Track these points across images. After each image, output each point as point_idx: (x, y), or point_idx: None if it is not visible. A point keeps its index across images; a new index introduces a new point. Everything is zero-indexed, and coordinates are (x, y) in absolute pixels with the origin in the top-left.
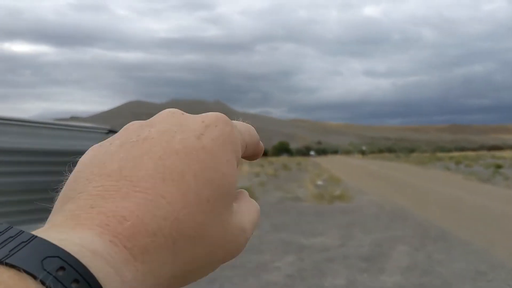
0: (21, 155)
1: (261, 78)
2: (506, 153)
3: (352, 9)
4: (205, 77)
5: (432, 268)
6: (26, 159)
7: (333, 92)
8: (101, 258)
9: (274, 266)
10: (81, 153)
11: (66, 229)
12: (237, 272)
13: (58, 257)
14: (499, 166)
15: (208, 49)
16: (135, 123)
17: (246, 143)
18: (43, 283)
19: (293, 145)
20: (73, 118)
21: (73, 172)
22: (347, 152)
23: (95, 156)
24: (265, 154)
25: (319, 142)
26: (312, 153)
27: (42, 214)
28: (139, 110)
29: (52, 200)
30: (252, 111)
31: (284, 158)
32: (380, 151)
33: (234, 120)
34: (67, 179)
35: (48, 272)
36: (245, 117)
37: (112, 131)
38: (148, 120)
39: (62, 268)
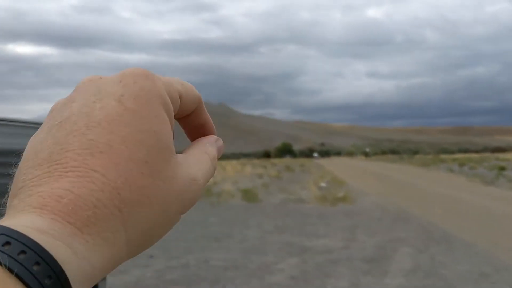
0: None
1: (265, 80)
2: (510, 155)
3: (355, 11)
4: (208, 79)
5: (436, 270)
6: None
7: (337, 93)
8: (46, 234)
9: (277, 267)
10: None
11: (6, 218)
12: (240, 274)
13: (3, 234)
14: (502, 168)
15: (211, 50)
16: (59, 102)
17: (180, 93)
18: None
19: (296, 147)
20: None
21: (16, 170)
22: (350, 154)
23: (30, 149)
24: (268, 155)
25: (322, 144)
26: (315, 155)
27: None
28: None
29: None
30: (256, 112)
31: (287, 160)
32: (383, 153)
33: (235, 121)
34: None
35: None
36: (249, 119)
37: None
38: (69, 94)
39: (7, 243)
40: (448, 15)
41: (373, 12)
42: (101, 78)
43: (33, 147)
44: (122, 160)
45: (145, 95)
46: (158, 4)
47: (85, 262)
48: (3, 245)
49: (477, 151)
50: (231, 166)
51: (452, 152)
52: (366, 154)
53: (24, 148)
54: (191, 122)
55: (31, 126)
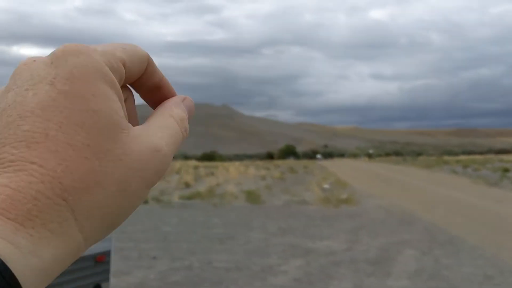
0: None
1: (268, 82)
2: None
3: (359, 13)
4: (212, 81)
5: (440, 272)
6: None
7: (340, 95)
8: None
9: (280, 269)
10: None
11: None
12: (243, 275)
13: None
14: (506, 170)
15: (215, 52)
16: None
17: (123, 59)
18: None
19: (299, 149)
20: None
21: None
22: (354, 156)
23: None
24: (271, 157)
25: (326, 146)
26: (318, 156)
27: None
28: (145, 114)
29: None
30: (259, 114)
31: (290, 161)
32: (387, 154)
33: (238, 123)
34: None
35: None
36: (252, 120)
37: None
38: (8, 82)
39: None
40: (452, 17)
41: (377, 14)
42: (34, 61)
43: None
44: (60, 147)
45: (79, 73)
46: (162, 7)
47: (32, 256)
48: None
49: (481, 153)
50: (234, 167)
51: (456, 154)
52: (369, 156)
53: None
54: (143, 85)
55: None
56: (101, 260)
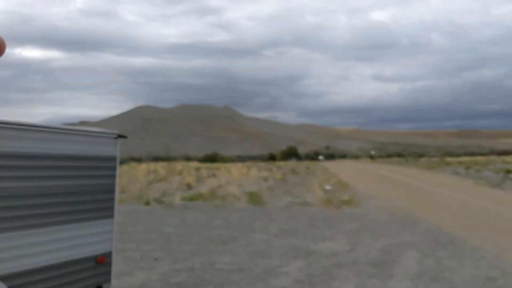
0: (30, 159)
1: (270, 83)
2: None
3: (361, 14)
4: (213, 82)
5: (442, 274)
6: (35, 164)
7: (342, 97)
8: None
9: (282, 271)
10: (89, 157)
11: None
12: (245, 277)
13: None
14: (509, 171)
15: (216, 54)
16: None
17: None
18: None
19: (301, 150)
20: (82, 123)
21: None
22: (356, 157)
23: None
24: (273, 158)
25: (327, 147)
26: (320, 157)
27: (50, 218)
28: (148, 115)
29: (62, 204)
30: (261, 115)
31: (292, 163)
32: (389, 155)
33: (240, 124)
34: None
35: None
36: (254, 122)
37: (121, 136)
38: None
39: None
40: (454, 18)
41: (379, 16)
42: None
43: None
44: None
45: None
46: (164, 8)
47: None
48: None
49: (483, 154)
50: (236, 169)
51: (458, 155)
52: (371, 157)
53: (29, 152)
54: None
55: (39, 130)
56: (103, 261)
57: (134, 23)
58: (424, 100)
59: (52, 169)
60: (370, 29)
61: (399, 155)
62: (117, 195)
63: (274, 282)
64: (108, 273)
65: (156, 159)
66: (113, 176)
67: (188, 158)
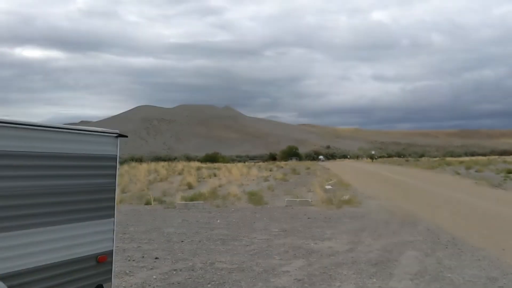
0: (30, 159)
1: (271, 83)
2: None
3: (361, 15)
4: (214, 82)
5: (442, 274)
6: (35, 163)
7: (342, 97)
8: None
9: (282, 270)
10: (90, 157)
11: None
12: (246, 276)
13: None
14: (510, 171)
15: (217, 54)
16: None
17: None
18: None
19: (302, 150)
20: (83, 123)
21: None
22: (356, 157)
23: None
24: (274, 158)
25: (328, 147)
26: (321, 157)
27: (51, 217)
28: (148, 115)
29: (62, 203)
30: (262, 115)
31: (293, 163)
32: (390, 155)
33: (241, 124)
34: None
35: None
36: (255, 122)
37: (121, 135)
38: None
39: None
40: (454, 18)
41: (379, 16)
42: None
43: None
44: None
45: None
46: (165, 8)
47: None
48: None
49: (484, 154)
50: (237, 168)
51: (458, 155)
52: (372, 157)
53: (33, 151)
54: None
55: (39, 129)
56: (103, 261)
57: (134, 23)
58: (424, 100)
59: (52, 169)
60: (371, 29)
61: (400, 155)
62: (118, 195)
63: (275, 281)
64: (109, 272)
65: (157, 159)
66: (113, 176)
67: (188, 158)
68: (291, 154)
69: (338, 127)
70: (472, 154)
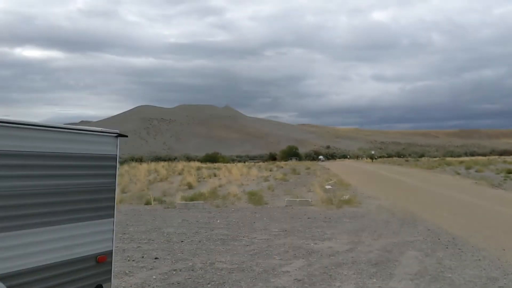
0: (30, 158)
1: (271, 83)
2: None
3: (361, 15)
4: (214, 82)
5: (443, 274)
6: (35, 163)
7: (342, 97)
8: None
9: (282, 270)
10: (89, 156)
11: None
12: (246, 276)
13: None
14: (510, 171)
15: (217, 54)
16: None
17: None
18: None
19: (302, 150)
20: (83, 123)
21: None
22: (356, 157)
23: None
24: (274, 158)
25: (328, 147)
26: (321, 157)
27: (51, 217)
28: (148, 115)
29: (62, 203)
30: (262, 115)
31: (293, 163)
32: (389, 155)
33: (241, 124)
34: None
35: None
36: (255, 122)
37: (121, 135)
38: None
39: None
40: (454, 18)
41: (379, 16)
42: None
43: None
44: None
45: None
46: (165, 9)
47: None
48: None
49: (484, 154)
50: (237, 168)
51: (458, 155)
52: (371, 157)
53: (33, 150)
54: None
55: (39, 129)
56: (103, 261)
57: (134, 23)
58: (424, 100)
59: (52, 168)
60: (370, 29)
61: (400, 155)
62: (118, 195)
63: (275, 281)
64: (109, 272)
65: (157, 159)
66: (113, 175)
67: (188, 158)
68: (291, 154)
69: (338, 127)
70: (472, 154)
